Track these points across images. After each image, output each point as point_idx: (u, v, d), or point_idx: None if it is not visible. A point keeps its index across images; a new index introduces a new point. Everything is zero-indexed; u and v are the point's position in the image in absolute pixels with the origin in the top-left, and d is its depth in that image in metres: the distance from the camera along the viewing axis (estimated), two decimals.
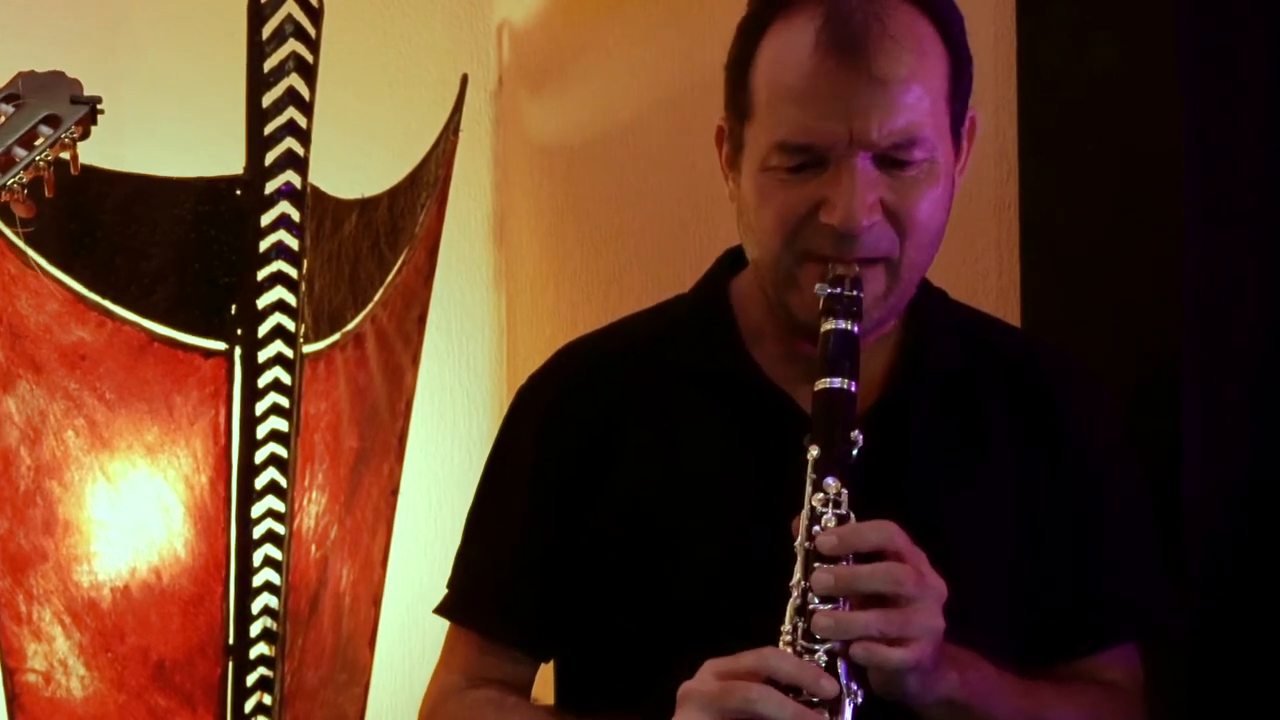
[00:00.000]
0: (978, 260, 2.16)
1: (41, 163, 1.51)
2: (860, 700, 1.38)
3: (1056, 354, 1.72)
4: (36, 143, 1.50)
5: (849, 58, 1.46)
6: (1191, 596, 1.79)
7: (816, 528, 1.41)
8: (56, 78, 1.54)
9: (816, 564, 1.40)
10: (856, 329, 1.48)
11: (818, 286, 1.49)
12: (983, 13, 2.11)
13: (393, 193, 2.23)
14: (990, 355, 1.65)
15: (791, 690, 1.36)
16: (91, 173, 1.87)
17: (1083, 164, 2.04)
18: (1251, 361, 1.88)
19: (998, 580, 1.57)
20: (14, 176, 1.49)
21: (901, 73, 1.47)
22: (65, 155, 1.52)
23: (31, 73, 1.53)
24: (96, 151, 1.61)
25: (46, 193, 1.53)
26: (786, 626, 1.40)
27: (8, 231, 1.88)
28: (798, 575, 1.40)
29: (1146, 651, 1.67)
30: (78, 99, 1.53)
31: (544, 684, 1.72)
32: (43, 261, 1.91)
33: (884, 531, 1.41)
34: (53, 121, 1.51)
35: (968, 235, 2.15)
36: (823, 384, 1.46)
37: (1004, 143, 2.12)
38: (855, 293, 1.48)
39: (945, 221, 1.55)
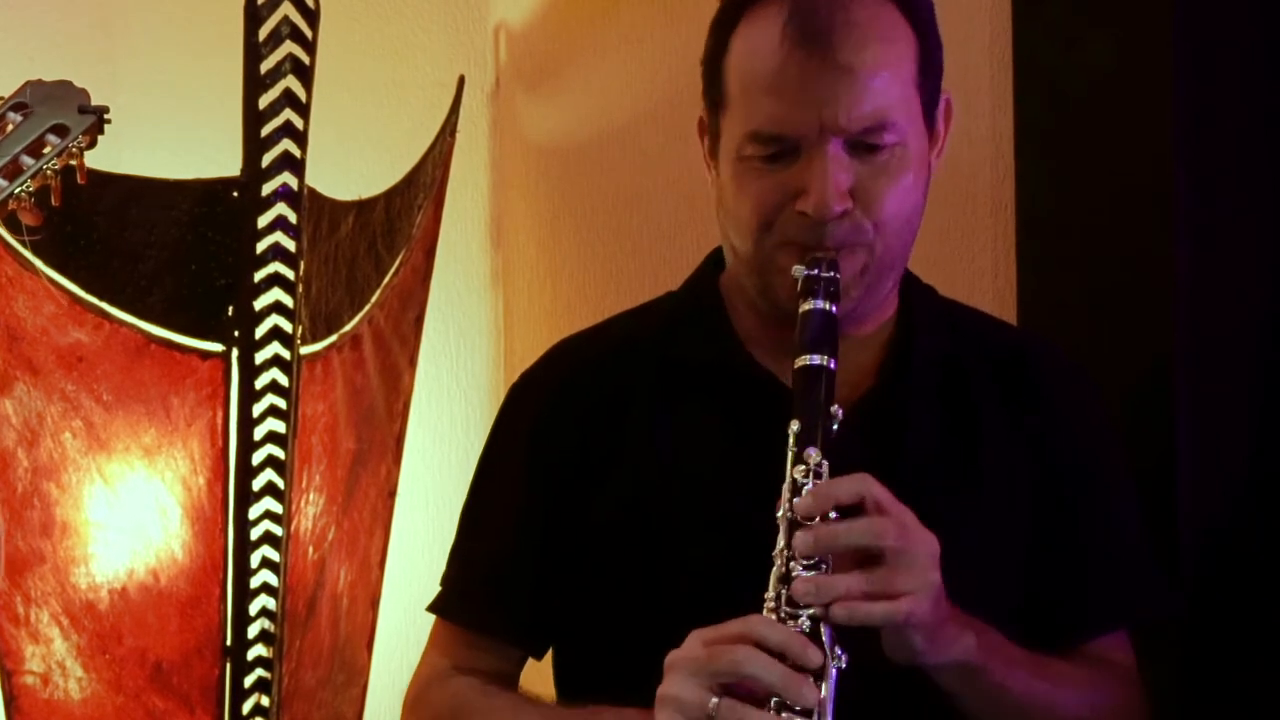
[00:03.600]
0: (974, 260, 2.16)
1: (49, 171, 1.52)
2: (844, 665, 1.39)
3: (1044, 345, 1.74)
4: (44, 151, 1.51)
5: (814, 47, 1.49)
6: (1186, 591, 1.80)
7: (796, 498, 1.42)
8: (64, 87, 1.55)
9: (798, 530, 1.41)
10: (834, 308, 1.50)
11: (795, 269, 1.52)
12: (979, 13, 2.12)
13: (389, 194, 2.23)
14: (980, 348, 1.67)
15: (777, 657, 1.37)
16: (88, 174, 1.87)
17: (1079, 164, 2.04)
18: (1245, 357, 1.89)
19: (993, 568, 1.59)
20: (22, 185, 1.50)
21: (867, 59, 1.50)
22: (73, 163, 1.53)
23: (40, 82, 1.55)
24: (93, 153, 1.61)
25: (53, 201, 1.54)
26: (770, 594, 1.41)
27: (5, 234, 1.88)
28: (780, 544, 1.42)
29: (1140, 642, 1.68)
30: (85, 108, 1.54)
31: (544, 677, 1.73)
32: (40, 264, 1.91)
33: (860, 482, 1.42)
34: (60, 131, 1.53)
35: (964, 235, 2.16)
36: (802, 361, 1.48)
37: (1000, 143, 2.13)
38: (832, 274, 1.51)
39: (921, 206, 1.57)
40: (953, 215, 2.15)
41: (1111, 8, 2.00)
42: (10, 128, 1.51)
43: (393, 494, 2.26)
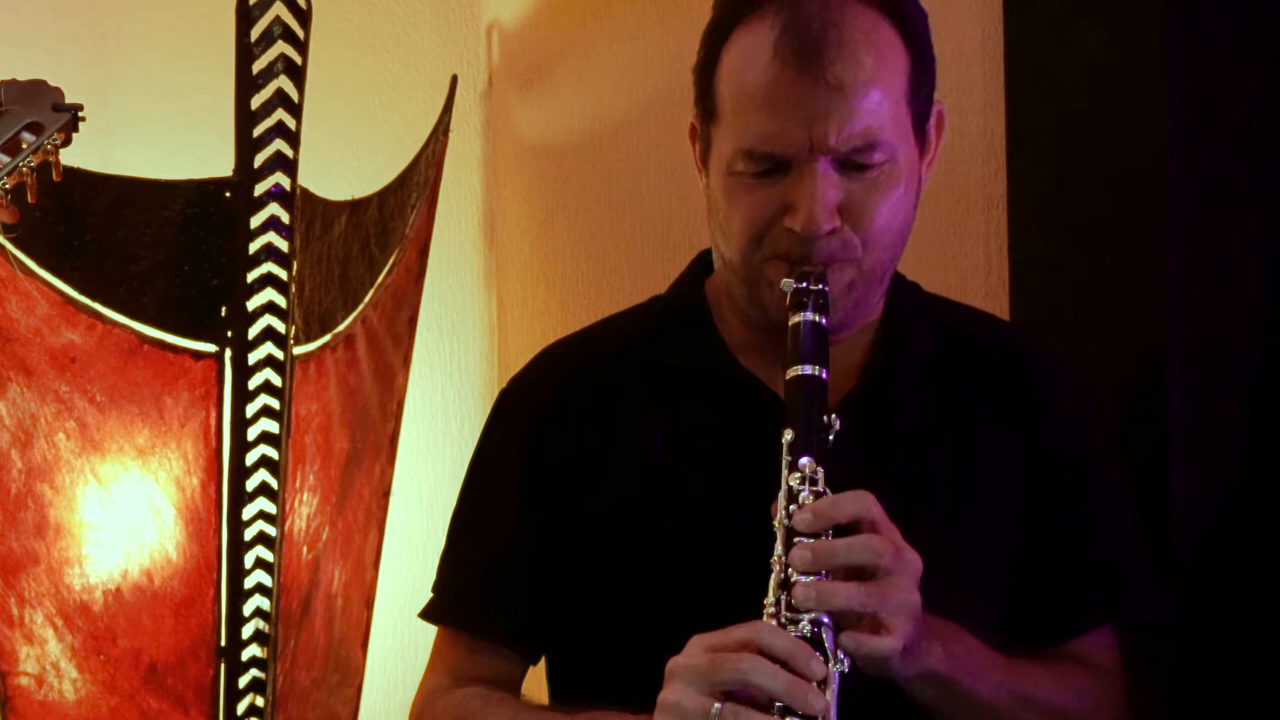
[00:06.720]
0: (966, 256, 2.16)
1: (24, 169, 1.52)
2: (846, 669, 1.39)
3: (1035, 342, 1.74)
4: (20, 149, 1.51)
5: (806, 65, 1.48)
6: (1180, 588, 1.80)
7: (794, 505, 1.43)
8: (38, 86, 1.56)
9: (796, 539, 1.41)
10: (825, 320, 1.50)
11: (784, 282, 1.52)
12: (970, 11, 2.12)
13: (382, 194, 2.23)
14: (967, 342, 1.68)
15: (781, 664, 1.37)
16: (80, 175, 1.87)
17: (1072, 160, 2.04)
18: (1238, 353, 1.89)
19: (982, 562, 1.59)
20: None
21: (859, 78, 1.49)
22: (49, 160, 1.54)
23: (13, 81, 1.55)
24: (86, 154, 1.61)
25: (29, 198, 1.54)
26: (770, 599, 1.41)
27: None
28: (778, 551, 1.42)
29: (1134, 641, 1.67)
30: (59, 106, 1.55)
31: (538, 683, 1.73)
32: (32, 264, 1.91)
33: (861, 501, 1.43)
34: (35, 129, 1.53)
35: (956, 233, 2.16)
36: (794, 371, 1.49)
37: (992, 140, 2.13)
38: (821, 287, 1.51)
39: (910, 218, 1.58)
40: (945, 212, 2.15)
41: (1103, 2, 2.00)
42: None
43: (387, 493, 2.26)
